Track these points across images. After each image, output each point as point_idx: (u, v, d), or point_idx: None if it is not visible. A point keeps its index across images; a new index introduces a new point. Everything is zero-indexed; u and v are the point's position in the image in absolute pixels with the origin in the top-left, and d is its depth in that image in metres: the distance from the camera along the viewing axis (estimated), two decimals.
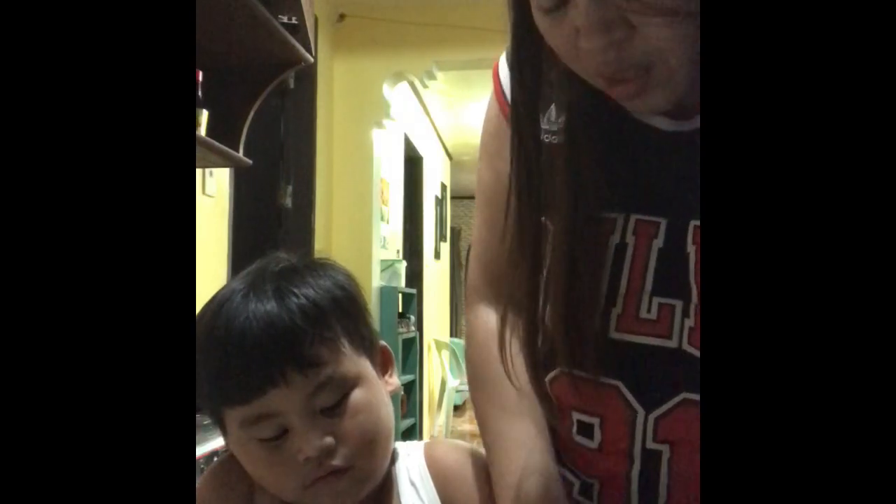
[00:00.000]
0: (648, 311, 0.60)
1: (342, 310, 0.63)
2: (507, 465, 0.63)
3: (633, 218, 0.60)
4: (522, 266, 0.62)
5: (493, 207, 0.67)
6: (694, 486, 0.58)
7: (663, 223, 0.60)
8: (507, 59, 0.66)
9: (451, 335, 7.60)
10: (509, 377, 0.63)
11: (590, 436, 0.63)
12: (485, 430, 0.67)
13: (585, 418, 0.63)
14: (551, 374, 0.64)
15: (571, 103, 0.61)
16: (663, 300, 0.59)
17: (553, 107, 0.64)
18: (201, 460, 1.42)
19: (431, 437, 5.56)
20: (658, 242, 0.59)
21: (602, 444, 0.62)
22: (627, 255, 0.60)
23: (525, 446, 0.63)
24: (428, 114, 5.75)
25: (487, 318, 0.69)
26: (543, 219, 0.62)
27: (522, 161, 0.61)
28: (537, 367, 0.63)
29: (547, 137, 0.63)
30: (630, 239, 0.60)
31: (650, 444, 0.60)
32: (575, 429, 0.64)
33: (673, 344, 0.59)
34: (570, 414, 0.64)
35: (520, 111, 0.62)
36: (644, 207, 0.60)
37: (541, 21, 0.55)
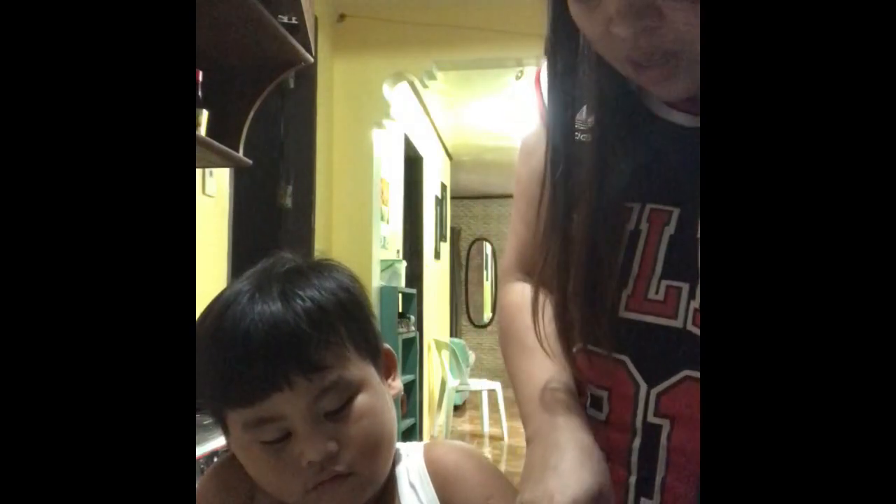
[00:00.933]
0: (656, 292, 0.63)
1: (348, 314, 0.63)
2: (531, 387, 0.67)
3: (649, 207, 0.64)
4: (552, 251, 0.67)
5: (526, 200, 0.73)
6: (691, 460, 0.60)
7: (676, 212, 0.63)
8: (545, 53, 0.70)
9: (451, 335, 7.61)
10: (541, 344, 0.68)
11: (599, 408, 0.67)
12: (511, 372, 0.72)
13: (597, 391, 0.67)
14: (574, 349, 0.68)
15: (600, 102, 0.66)
16: (671, 283, 0.62)
17: (584, 108, 0.68)
18: (201, 460, 1.42)
19: (431, 437, 5.56)
20: (670, 229, 0.63)
21: (609, 416, 0.66)
22: (640, 240, 0.64)
23: (547, 373, 0.67)
24: (428, 114, 5.75)
25: (518, 288, 0.75)
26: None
27: (558, 156, 0.66)
28: (569, 339, 0.67)
29: (578, 136, 0.67)
30: (644, 225, 0.64)
31: (651, 418, 0.63)
32: (588, 402, 0.68)
33: (678, 324, 0.62)
34: (585, 388, 0.68)
35: (555, 103, 0.67)
36: (659, 197, 0.64)
37: (575, 9, 0.59)
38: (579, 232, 0.65)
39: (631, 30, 0.55)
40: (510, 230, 0.79)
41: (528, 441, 0.65)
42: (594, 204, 0.64)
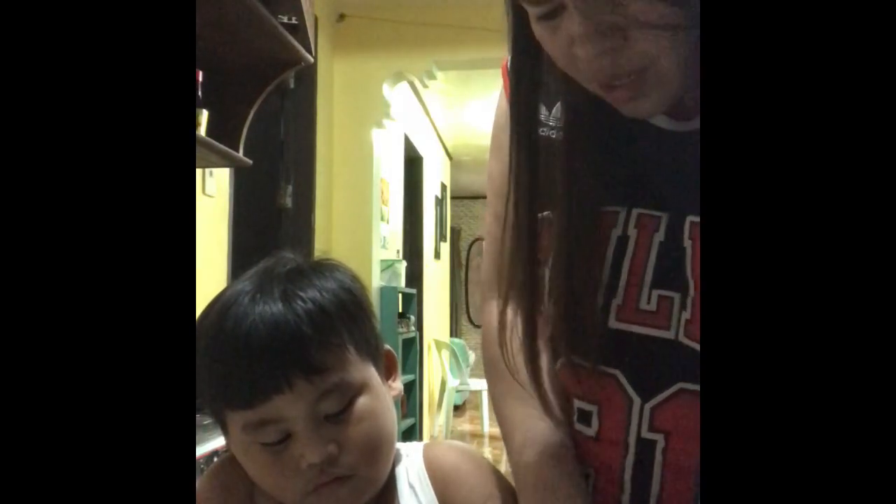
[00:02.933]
0: (648, 302, 0.61)
1: (349, 315, 0.63)
2: (514, 441, 0.65)
3: (636, 212, 0.62)
4: (520, 259, 0.64)
5: (501, 200, 0.69)
6: (687, 476, 0.59)
7: (664, 217, 0.61)
8: (509, 69, 0.68)
9: (451, 335, 7.61)
10: (511, 371, 0.65)
11: (588, 423, 0.64)
12: (498, 414, 0.69)
13: (585, 406, 0.64)
14: (558, 363, 0.66)
15: (571, 100, 0.63)
16: (663, 292, 0.60)
17: (558, 104, 0.65)
18: (201, 460, 1.42)
19: (431, 437, 5.56)
20: (659, 236, 0.61)
21: (599, 433, 0.63)
22: (629, 247, 0.62)
23: (528, 423, 0.65)
24: (428, 114, 5.75)
25: (496, 307, 0.71)
26: (546, 213, 0.64)
27: (522, 156, 0.63)
28: (536, 360, 0.64)
29: (549, 132, 0.65)
30: (632, 232, 0.62)
31: (645, 434, 0.60)
32: (576, 416, 0.65)
33: (670, 335, 0.60)
34: (572, 402, 0.66)
35: (519, 108, 0.64)
36: (646, 202, 0.62)
37: (537, 28, 0.57)
38: (557, 241, 0.62)
39: (593, 51, 0.53)
40: (486, 235, 0.74)
41: None
42: (569, 210, 0.62)
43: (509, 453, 0.66)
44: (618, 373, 0.62)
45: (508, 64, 0.68)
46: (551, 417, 0.65)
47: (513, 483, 0.65)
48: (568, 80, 0.61)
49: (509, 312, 0.65)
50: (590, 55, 0.54)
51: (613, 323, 0.62)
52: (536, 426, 0.65)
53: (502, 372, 0.68)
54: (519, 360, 0.65)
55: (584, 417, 0.64)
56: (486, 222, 0.74)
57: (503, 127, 0.71)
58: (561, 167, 0.63)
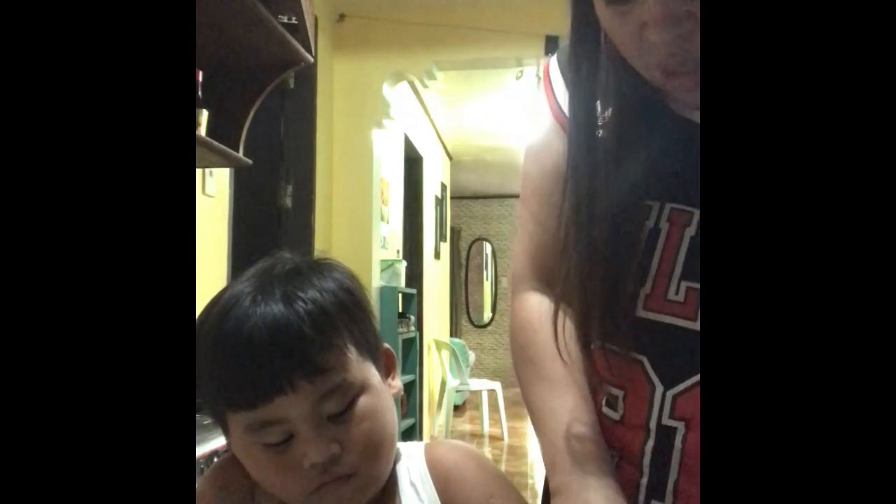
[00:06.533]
0: (676, 293, 0.62)
1: (349, 315, 0.63)
2: (555, 430, 0.65)
3: (669, 206, 0.63)
4: (576, 248, 0.65)
5: (540, 200, 0.70)
6: None
7: (697, 213, 0.62)
8: (568, 54, 0.69)
9: (451, 335, 7.61)
10: (560, 353, 0.66)
11: (614, 408, 0.66)
12: (530, 403, 0.69)
13: (613, 390, 0.66)
14: (592, 347, 0.67)
15: (619, 98, 0.65)
16: (691, 284, 0.61)
17: (598, 103, 0.67)
18: (201, 460, 1.42)
19: (432, 437, 5.56)
20: (690, 231, 0.62)
21: (623, 417, 0.65)
22: (660, 240, 0.63)
23: (571, 412, 0.65)
24: (428, 114, 5.75)
25: (534, 301, 0.72)
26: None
27: (581, 152, 0.65)
28: (590, 345, 0.65)
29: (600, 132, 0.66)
30: (664, 225, 0.63)
31: (666, 420, 0.62)
32: (604, 401, 0.67)
33: (697, 326, 0.61)
34: (601, 386, 0.67)
35: (578, 104, 0.65)
36: (680, 197, 0.63)
37: (603, 13, 0.58)
38: (598, 231, 0.64)
39: (668, 36, 0.54)
40: (520, 232, 0.75)
41: (554, 493, 0.63)
42: (613, 202, 0.63)
43: (538, 432, 0.67)
44: (644, 359, 0.63)
45: (562, 58, 0.68)
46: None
47: (513, 481, 0.66)
48: (618, 77, 0.63)
49: (562, 299, 0.66)
50: (664, 40, 0.55)
51: (641, 311, 0.63)
52: (565, 406, 0.66)
53: (531, 358, 0.69)
54: (571, 346, 0.66)
55: (611, 402, 0.66)
56: (521, 220, 0.75)
57: (541, 131, 0.73)
58: (606, 163, 0.64)
